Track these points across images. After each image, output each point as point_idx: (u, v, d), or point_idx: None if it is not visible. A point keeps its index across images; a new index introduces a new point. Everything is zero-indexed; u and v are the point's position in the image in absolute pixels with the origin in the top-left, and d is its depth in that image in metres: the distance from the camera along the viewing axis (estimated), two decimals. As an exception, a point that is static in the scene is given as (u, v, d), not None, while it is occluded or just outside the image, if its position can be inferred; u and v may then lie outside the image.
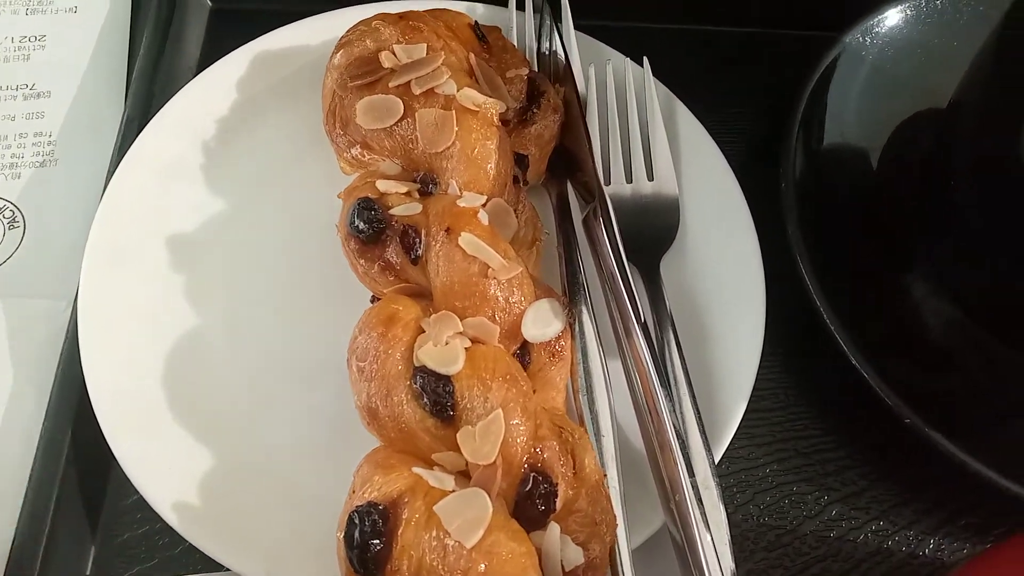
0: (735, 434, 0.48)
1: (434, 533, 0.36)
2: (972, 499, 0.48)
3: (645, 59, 0.54)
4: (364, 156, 0.49)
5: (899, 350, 0.49)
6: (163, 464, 0.44)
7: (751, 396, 0.49)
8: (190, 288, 0.49)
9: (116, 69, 0.60)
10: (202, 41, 0.61)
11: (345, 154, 0.50)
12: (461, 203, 0.43)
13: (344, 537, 0.36)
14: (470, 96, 0.46)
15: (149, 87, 0.56)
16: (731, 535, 0.41)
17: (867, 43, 0.56)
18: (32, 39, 0.60)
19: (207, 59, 0.59)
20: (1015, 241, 0.46)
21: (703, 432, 0.44)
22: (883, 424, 0.46)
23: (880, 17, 0.57)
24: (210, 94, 0.54)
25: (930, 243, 0.52)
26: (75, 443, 0.46)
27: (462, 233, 0.42)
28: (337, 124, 0.50)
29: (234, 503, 0.44)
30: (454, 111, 0.45)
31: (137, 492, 0.42)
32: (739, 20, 0.62)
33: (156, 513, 0.42)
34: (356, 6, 0.57)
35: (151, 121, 0.52)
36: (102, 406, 0.44)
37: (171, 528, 0.42)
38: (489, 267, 0.41)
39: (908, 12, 0.57)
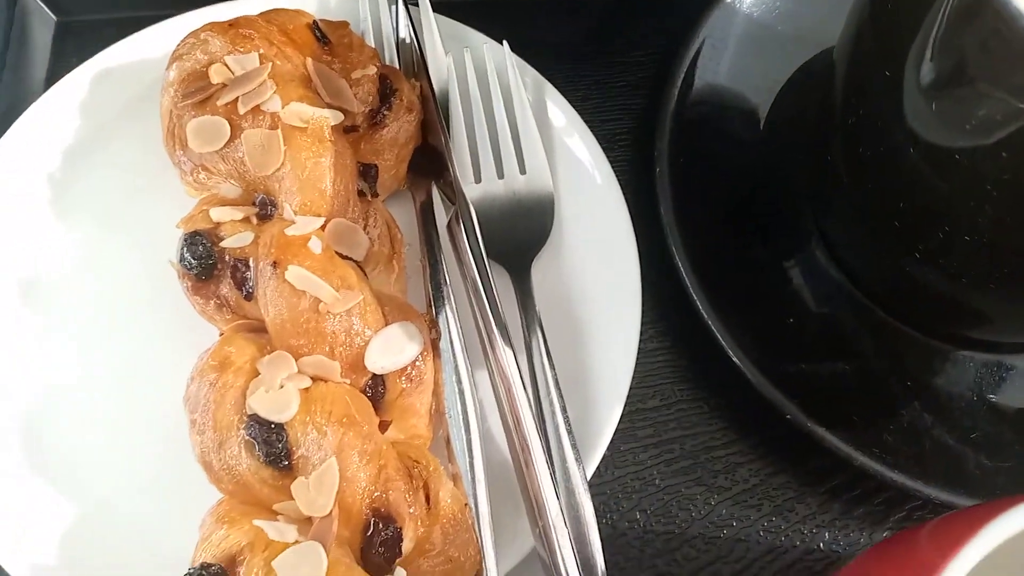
0: (621, 437, 0.47)
1: (269, 592, 0.34)
2: (868, 487, 0.46)
3: (505, 42, 0.51)
4: (207, 179, 0.46)
5: (785, 340, 0.46)
6: (17, 526, 0.42)
7: (636, 396, 0.47)
8: (37, 333, 0.47)
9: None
10: (48, 58, 0.57)
11: (187, 177, 0.47)
12: (291, 231, 0.40)
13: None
14: (297, 111, 0.42)
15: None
16: (605, 559, 0.39)
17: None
18: None
19: (55, 77, 0.55)
20: (897, 210, 0.43)
21: (574, 445, 0.42)
22: (772, 418, 0.44)
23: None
24: (52, 120, 0.51)
25: (817, 217, 0.49)
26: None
27: (289, 266, 0.39)
28: (177, 145, 0.46)
29: (93, 563, 0.42)
30: (280, 130, 0.42)
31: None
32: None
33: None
34: (212, 6, 0.53)
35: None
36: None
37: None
38: (321, 301, 0.39)
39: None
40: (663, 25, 0.58)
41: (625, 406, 0.44)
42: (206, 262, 0.41)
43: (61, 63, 0.56)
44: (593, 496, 0.41)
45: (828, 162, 0.46)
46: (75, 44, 0.57)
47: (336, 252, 0.42)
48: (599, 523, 0.40)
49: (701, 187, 0.49)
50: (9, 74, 0.56)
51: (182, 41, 0.47)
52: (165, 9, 0.53)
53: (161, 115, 0.47)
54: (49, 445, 0.44)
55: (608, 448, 0.44)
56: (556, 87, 0.51)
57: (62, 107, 0.51)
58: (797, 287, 0.48)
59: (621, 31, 0.57)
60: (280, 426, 0.37)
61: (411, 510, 0.37)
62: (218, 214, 0.43)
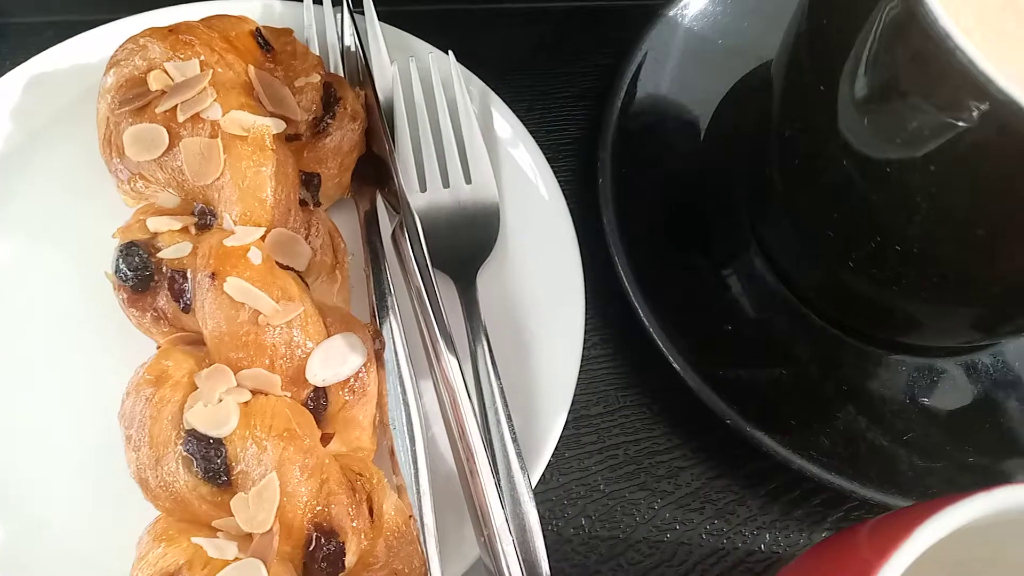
0: (565, 444, 0.47)
1: (207, 613, 0.33)
2: (807, 489, 0.47)
3: (450, 52, 0.51)
4: (145, 188, 0.45)
5: (724, 346, 0.47)
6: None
7: (579, 403, 0.48)
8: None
9: None
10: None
11: (124, 186, 0.46)
12: (230, 241, 0.40)
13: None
14: (237, 120, 0.42)
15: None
16: (550, 566, 0.39)
17: (690, 11, 0.53)
18: None
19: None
20: (831, 220, 0.44)
21: (519, 453, 0.43)
22: (713, 422, 0.44)
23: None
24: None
25: (755, 226, 0.50)
26: None
27: (228, 278, 0.38)
28: (113, 153, 0.45)
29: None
30: (220, 138, 0.41)
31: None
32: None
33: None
34: (153, 11, 0.52)
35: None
36: None
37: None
38: (260, 313, 0.38)
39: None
40: (607, 38, 0.58)
41: (569, 413, 0.44)
42: (142, 273, 0.41)
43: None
44: (538, 503, 0.41)
45: (765, 173, 0.47)
46: (10, 47, 0.55)
47: (277, 262, 0.42)
48: (544, 530, 0.41)
49: (643, 197, 0.50)
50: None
51: (121, 46, 0.46)
52: (105, 13, 0.52)
53: (98, 122, 0.46)
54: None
55: (553, 455, 0.44)
56: (501, 98, 0.51)
57: (-9, 112, 0.50)
58: (736, 294, 0.49)
59: (566, 44, 0.58)
60: (219, 441, 0.37)
61: (354, 524, 0.37)
62: (155, 224, 0.42)
